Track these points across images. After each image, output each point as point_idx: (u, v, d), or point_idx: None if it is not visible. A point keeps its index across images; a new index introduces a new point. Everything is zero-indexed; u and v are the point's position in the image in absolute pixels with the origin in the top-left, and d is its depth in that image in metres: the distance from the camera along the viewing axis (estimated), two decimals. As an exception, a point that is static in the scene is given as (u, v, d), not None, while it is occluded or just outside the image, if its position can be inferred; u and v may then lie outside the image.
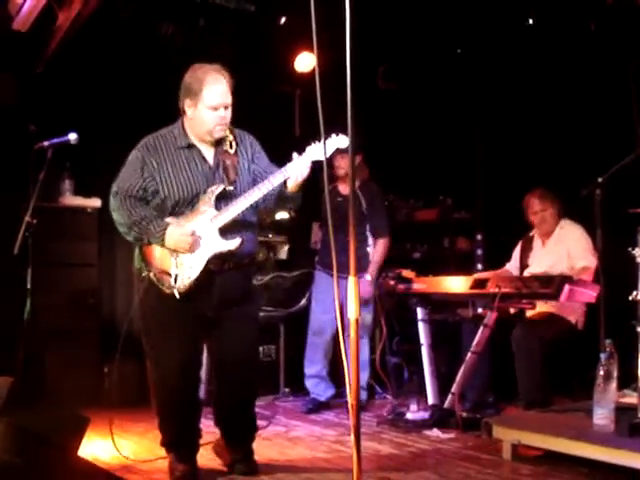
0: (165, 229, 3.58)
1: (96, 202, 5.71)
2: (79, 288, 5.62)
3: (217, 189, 3.66)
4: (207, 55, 5.89)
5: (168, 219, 3.63)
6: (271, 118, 6.19)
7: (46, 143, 4.46)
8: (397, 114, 7.03)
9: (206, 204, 3.65)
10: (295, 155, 3.66)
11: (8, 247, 4.36)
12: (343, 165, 5.39)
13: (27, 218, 4.38)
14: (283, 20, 6.07)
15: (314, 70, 6.64)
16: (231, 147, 3.77)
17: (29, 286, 4.42)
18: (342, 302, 2.64)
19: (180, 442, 3.83)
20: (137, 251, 3.74)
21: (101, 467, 3.82)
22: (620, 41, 5.62)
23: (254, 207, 3.75)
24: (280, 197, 3.80)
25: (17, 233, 4.36)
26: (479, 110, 6.94)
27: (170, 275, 3.62)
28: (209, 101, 3.62)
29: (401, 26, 6.29)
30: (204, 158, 3.75)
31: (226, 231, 3.63)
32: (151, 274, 3.66)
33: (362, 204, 5.50)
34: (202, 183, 3.69)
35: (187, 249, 3.58)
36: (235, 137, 3.82)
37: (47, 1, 4.94)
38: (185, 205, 3.67)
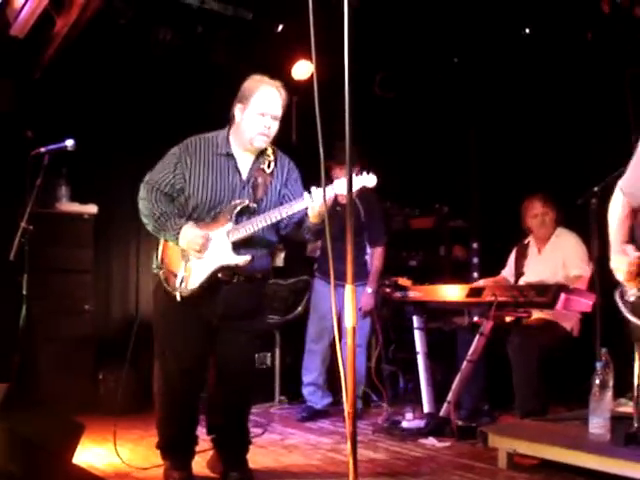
0: (181, 227, 3.61)
1: (92, 208, 5.71)
2: (75, 294, 5.60)
3: (241, 204, 3.66)
4: (204, 62, 5.94)
5: (188, 222, 3.66)
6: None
7: (43, 149, 4.46)
8: (394, 122, 7.05)
9: (227, 216, 3.64)
10: (313, 188, 3.58)
11: (4, 253, 4.35)
12: (342, 175, 5.40)
13: (23, 224, 4.38)
14: (280, 27, 6.08)
15: (311, 77, 6.68)
16: (269, 167, 3.78)
17: (25, 292, 4.41)
18: (340, 310, 2.64)
19: (177, 446, 3.84)
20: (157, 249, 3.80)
21: (96, 474, 3.80)
22: (616, 50, 5.65)
23: (274, 228, 3.77)
24: (300, 225, 3.78)
25: (13, 239, 4.36)
26: (475, 119, 6.97)
27: (176, 277, 3.66)
28: (257, 106, 3.67)
29: (398, 35, 6.31)
30: (238, 170, 3.75)
31: (240, 246, 3.63)
32: (161, 272, 3.72)
33: (360, 213, 5.52)
34: (229, 193, 3.70)
35: (197, 250, 3.59)
36: (276, 158, 3.82)
37: (45, 7, 4.95)
38: (206, 212, 3.69)
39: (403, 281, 5.30)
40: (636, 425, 3.85)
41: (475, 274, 6.69)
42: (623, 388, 4.47)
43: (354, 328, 2.50)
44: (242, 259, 3.61)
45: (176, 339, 3.72)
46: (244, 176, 3.75)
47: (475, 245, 6.84)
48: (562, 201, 5.33)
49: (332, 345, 5.49)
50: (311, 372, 5.59)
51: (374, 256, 5.62)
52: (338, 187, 3.50)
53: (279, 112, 3.72)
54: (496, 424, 4.91)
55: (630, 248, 2.19)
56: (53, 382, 5.16)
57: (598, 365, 3.93)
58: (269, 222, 3.60)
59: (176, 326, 3.72)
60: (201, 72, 6.15)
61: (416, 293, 5.20)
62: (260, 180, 3.73)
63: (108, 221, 6.04)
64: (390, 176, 5.83)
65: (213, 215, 3.68)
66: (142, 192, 3.75)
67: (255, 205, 3.69)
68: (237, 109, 3.74)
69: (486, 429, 4.27)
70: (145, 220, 3.74)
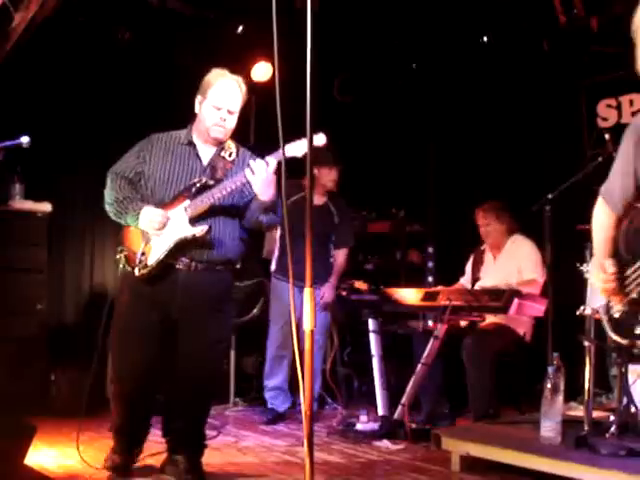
0: (141, 209, 3.70)
1: (46, 207, 5.63)
2: (27, 294, 5.50)
3: (199, 181, 3.74)
4: (163, 61, 5.90)
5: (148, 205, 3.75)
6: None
7: (-2, 146, 4.39)
8: (352, 127, 7.07)
9: (185, 194, 3.74)
10: (252, 161, 3.67)
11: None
12: (333, 177, 5.48)
13: (-24, 221, 4.31)
14: (241, 28, 6.07)
15: (270, 79, 6.68)
16: (230, 156, 3.87)
17: (-24, 291, 4.34)
18: (301, 312, 2.64)
19: (123, 432, 3.90)
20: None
21: (48, 476, 3.76)
22: (572, 61, 5.75)
23: (234, 218, 3.82)
24: (260, 208, 3.81)
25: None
26: (433, 125, 7.03)
27: (137, 254, 3.74)
28: (214, 100, 3.78)
29: (357, 40, 6.35)
30: (199, 156, 3.86)
31: (206, 238, 3.69)
32: (123, 254, 3.80)
33: (334, 216, 5.56)
34: (187, 175, 3.81)
35: (156, 228, 3.67)
36: (237, 150, 3.92)
37: (3, 2, 4.87)
38: (165, 192, 3.78)
39: (359, 284, 5.33)
40: (586, 429, 3.93)
41: (430, 278, 6.76)
42: (574, 392, 4.56)
43: (312, 331, 2.50)
44: (198, 229, 3.68)
45: (133, 330, 3.77)
46: (204, 162, 3.85)
47: (430, 250, 6.91)
48: (517, 208, 5.40)
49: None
50: (277, 376, 5.52)
51: (340, 255, 5.65)
52: (290, 151, 3.52)
53: (236, 106, 3.82)
54: (449, 427, 4.96)
55: (608, 263, 2.18)
56: (4, 383, 5.07)
57: (550, 369, 3.98)
58: (223, 193, 3.67)
59: (134, 317, 3.77)
60: (160, 71, 6.10)
61: (371, 296, 5.24)
62: (220, 164, 3.84)
63: (62, 220, 5.97)
64: (348, 179, 5.88)
65: (172, 196, 3.76)
66: (108, 182, 3.85)
67: (212, 182, 3.75)
68: (197, 101, 3.86)
69: (439, 432, 4.30)
70: (108, 207, 3.83)
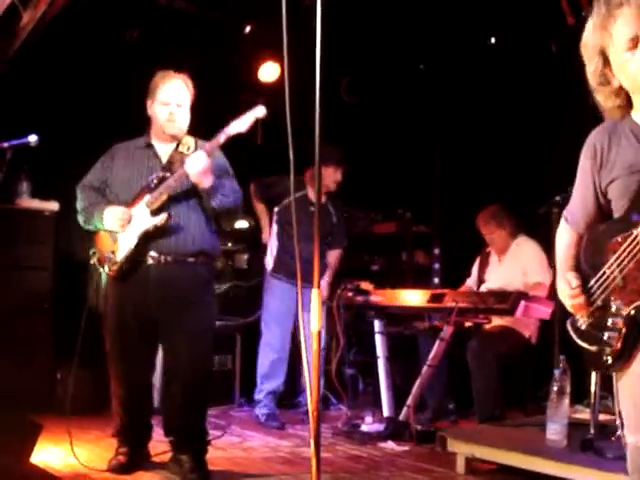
0: (104, 211, 3.86)
1: (54, 205, 5.64)
2: (34, 292, 5.52)
3: (157, 177, 3.85)
4: (171, 61, 5.89)
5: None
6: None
7: (5, 144, 4.38)
8: (359, 127, 7.07)
9: (145, 191, 3.85)
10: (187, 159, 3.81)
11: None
12: (338, 178, 5.50)
13: (-17, 220, 4.32)
14: (248, 29, 6.07)
15: (278, 80, 6.69)
16: (188, 150, 3.96)
17: (-17, 289, 4.35)
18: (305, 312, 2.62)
19: (125, 433, 3.99)
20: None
21: (53, 474, 3.77)
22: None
23: (199, 209, 3.91)
24: (204, 195, 3.90)
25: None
26: (439, 126, 7.02)
27: (107, 254, 3.86)
28: (162, 97, 3.93)
29: (364, 40, 6.35)
30: (157, 156, 3.99)
31: (167, 227, 3.80)
32: (95, 257, 3.93)
33: (333, 217, 5.54)
34: (146, 175, 3.92)
35: (121, 225, 3.81)
36: (196, 144, 4.00)
37: (12, 1, 4.88)
38: (127, 193, 3.90)
39: (365, 285, 5.33)
40: (592, 432, 3.92)
41: (436, 280, 6.74)
42: (580, 395, 4.54)
43: (319, 332, 2.49)
44: (158, 218, 3.78)
45: (118, 337, 3.89)
46: (163, 160, 3.97)
47: (437, 251, 6.89)
48: (524, 209, 5.39)
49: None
50: (276, 379, 5.44)
51: (334, 255, 5.64)
52: (233, 128, 3.73)
53: (184, 100, 3.95)
54: (455, 429, 4.96)
55: (571, 276, 2.19)
56: (10, 381, 5.07)
57: (556, 372, 3.99)
58: (174, 184, 3.79)
59: (124, 325, 3.87)
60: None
61: (378, 297, 5.23)
62: (177, 158, 3.93)
63: (69, 218, 5.95)
64: (354, 180, 5.88)
65: (134, 196, 3.87)
66: (77, 195, 4.05)
67: (169, 175, 3.85)
68: (148, 105, 4.02)
69: (445, 434, 4.29)
70: (78, 217, 4.03)
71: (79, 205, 4.01)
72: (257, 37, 6.06)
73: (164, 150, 4.00)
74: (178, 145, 3.99)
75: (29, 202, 5.62)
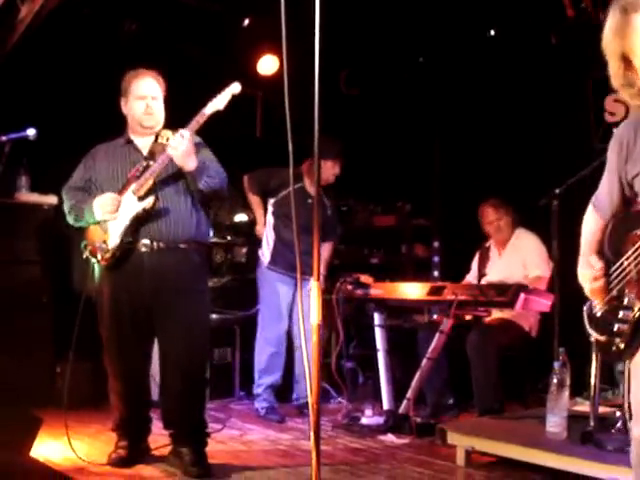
0: (92, 202, 3.90)
1: (52, 199, 5.61)
2: (33, 286, 5.50)
3: (141, 166, 3.90)
4: (170, 54, 5.89)
5: None
6: (232, 119, 6.16)
7: (4, 138, 4.37)
8: (358, 120, 7.06)
9: (131, 181, 3.90)
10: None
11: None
12: (337, 171, 5.46)
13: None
14: (247, 22, 6.06)
15: (277, 73, 6.66)
16: (167, 141, 3.96)
17: (-18, 283, 4.34)
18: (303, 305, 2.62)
19: (124, 427, 4.01)
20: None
21: (54, 468, 3.77)
22: (579, 55, 5.72)
23: (186, 196, 3.94)
24: (190, 178, 3.93)
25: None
26: (439, 118, 7.01)
27: (98, 244, 3.88)
28: (136, 92, 3.99)
29: (364, 32, 6.33)
30: (138, 150, 4.04)
31: (157, 211, 3.85)
32: (87, 250, 3.94)
33: (327, 208, 5.51)
34: (130, 166, 3.96)
35: (110, 211, 3.84)
36: (174, 134, 3.98)
37: (10, -7, 4.87)
38: (114, 188, 3.92)
39: (365, 278, 5.31)
40: (592, 424, 3.92)
41: (436, 273, 6.74)
42: (580, 387, 4.54)
43: (319, 325, 2.49)
44: (145, 202, 3.82)
45: (113, 328, 3.91)
46: (144, 153, 4.01)
47: (436, 244, 6.89)
48: (523, 202, 5.38)
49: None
50: (273, 373, 5.42)
51: (327, 248, 5.58)
52: (210, 107, 3.81)
53: (157, 92, 4.02)
54: (455, 421, 4.96)
55: (594, 259, 2.20)
56: (10, 375, 5.07)
57: (556, 365, 3.99)
58: (159, 167, 3.83)
59: (119, 316, 3.89)
60: (166, 64, 6.08)
61: (377, 290, 5.22)
62: (158, 148, 3.96)
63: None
64: (354, 173, 5.87)
65: (121, 186, 3.92)
66: (63, 196, 4.12)
67: (152, 163, 3.89)
68: (122, 104, 4.07)
69: (445, 426, 4.30)
70: (68, 218, 4.06)
71: (67, 206, 4.05)
72: (256, 30, 6.04)
73: (144, 143, 4.04)
74: (157, 138, 4.03)
75: (28, 196, 5.61)
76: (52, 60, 5.64)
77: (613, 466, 3.40)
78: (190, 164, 3.81)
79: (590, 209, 2.41)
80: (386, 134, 7.17)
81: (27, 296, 5.46)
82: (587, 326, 2.23)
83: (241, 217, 6.31)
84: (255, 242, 5.90)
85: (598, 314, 2.20)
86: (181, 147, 3.75)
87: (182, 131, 3.79)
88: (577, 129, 5.98)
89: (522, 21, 5.87)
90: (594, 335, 2.21)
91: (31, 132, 4.37)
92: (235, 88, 3.87)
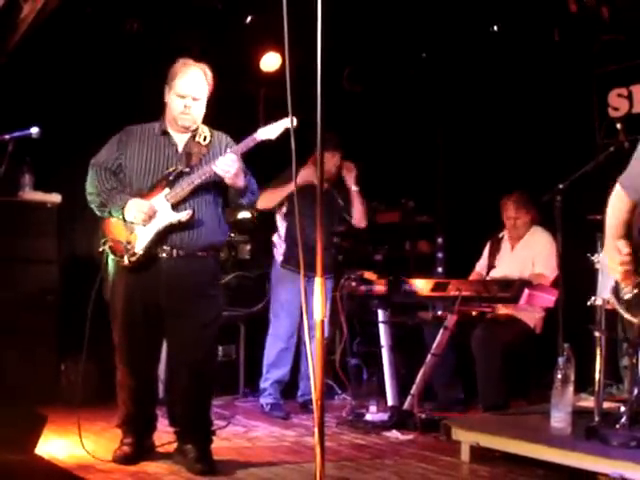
0: (127, 202, 3.81)
1: (56, 197, 5.64)
2: (37, 285, 5.52)
3: (174, 170, 3.86)
4: (172, 52, 5.87)
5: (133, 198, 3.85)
6: (235, 117, 6.16)
7: (7, 136, 4.38)
8: (361, 116, 7.05)
9: (163, 183, 3.85)
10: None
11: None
12: (336, 162, 5.47)
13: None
14: (249, 19, 6.05)
15: (279, 70, 6.65)
16: (204, 140, 3.97)
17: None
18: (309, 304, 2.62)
19: (130, 423, 4.00)
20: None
21: (59, 466, 3.77)
22: (583, 50, 5.72)
23: (216, 204, 3.93)
24: (236, 194, 3.96)
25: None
26: (443, 115, 7.00)
27: (122, 244, 3.82)
28: (178, 88, 3.88)
29: (367, 28, 6.32)
30: (173, 144, 3.96)
31: (186, 225, 3.80)
32: (107, 246, 3.89)
33: (339, 200, 5.50)
34: (164, 163, 3.91)
35: (144, 220, 3.77)
36: (212, 134, 4.02)
37: (12, -8, 4.87)
38: (143, 181, 3.88)
39: (369, 275, 5.32)
40: (597, 419, 3.92)
41: (440, 269, 6.74)
42: (584, 383, 4.54)
43: (323, 321, 2.49)
44: (184, 214, 3.80)
45: (127, 323, 3.88)
46: (180, 148, 3.95)
47: (440, 240, 6.90)
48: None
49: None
50: (282, 368, 5.43)
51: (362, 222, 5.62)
52: (262, 134, 3.78)
53: (200, 93, 3.91)
54: (459, 417, 4.96)
55: (622, 244, 2.17)
56: (15, 374, 5.09)
57: (560, 360, 3.98)
58: (199, 181, 3.79)
59: (133, 315, 3.86)
60: (169, 62, 6.09)
61: (381, 287, 5.23)
62: (195, 150, 3.94)
63: (72, 210, 5.96)
64: (357, 170, 5.86)
65: (150, 185, 3.86)
66: (90, 174, 3.96)
67: (187, 170, 3.87)
68: (165, 91, 3.96)
69: (449, 422, 4.30)
70: (91, 198, 3.94)
71: (92, 186, 3.93)
72: (258, 27, 6.03)
73: (180, 139, 3.97)
74: (194, 135, 3.97)
75: (31, 194, 5.62)
76: (55, 59, 5.64)
77: (618, 461, 3.40)
78: (240, 183, 3.85)
79: (617, 189, 2.36)
80: (389, 131, 7.16)
81: (31, 294, 5.47)
82: (619, 309, 2.21)
83: (244, 214, 6.31)
84: (260, 239, 5.92)
85: (626, 297, 2.17)
86: (232, 170, 3.75)
87: (231, 154, 3.77)
88: (580, 125, 5.97)
89: (525, 17, 5.86)
90: (627, 317, 2.19)
91: (34, 131, 4.36)
92: (289, 123, 3.66)
